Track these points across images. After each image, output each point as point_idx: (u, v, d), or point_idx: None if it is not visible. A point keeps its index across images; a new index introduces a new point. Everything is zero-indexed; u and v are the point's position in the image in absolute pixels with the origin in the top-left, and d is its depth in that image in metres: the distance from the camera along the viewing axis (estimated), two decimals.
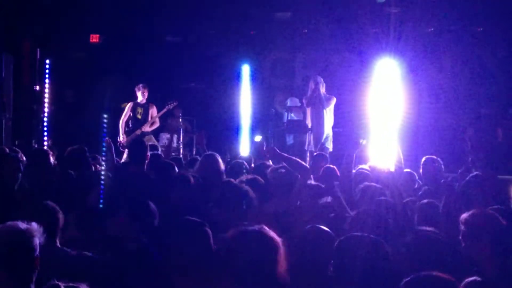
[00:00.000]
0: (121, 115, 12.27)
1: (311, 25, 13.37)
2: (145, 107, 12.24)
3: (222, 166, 7.32)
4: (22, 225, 3.38)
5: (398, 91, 11.98)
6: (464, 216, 4.29)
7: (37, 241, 3.38)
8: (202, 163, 7.38)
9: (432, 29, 12.80)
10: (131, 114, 12.23)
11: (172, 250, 3.70)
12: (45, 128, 13.06)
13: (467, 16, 12.28)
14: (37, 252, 3.37)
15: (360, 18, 12.55)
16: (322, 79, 11.82)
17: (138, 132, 12.06)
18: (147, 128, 12.18)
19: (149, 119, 12.17)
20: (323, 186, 5.98)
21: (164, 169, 7.02)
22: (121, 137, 12.10)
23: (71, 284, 3.12)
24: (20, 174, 6.63)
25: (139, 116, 12.23)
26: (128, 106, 12.29)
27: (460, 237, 4.26)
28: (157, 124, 12.36)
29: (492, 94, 12.12)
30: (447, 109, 12.49)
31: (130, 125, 12.21)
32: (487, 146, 11.01)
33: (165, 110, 12.35)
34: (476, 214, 4.27)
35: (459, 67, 12.65)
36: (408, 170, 7.87)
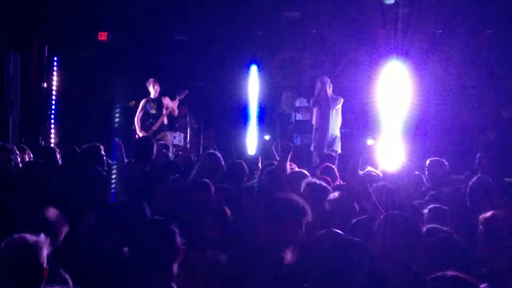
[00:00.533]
0: (136, 112, 12.34)
1: (320, 25, 13.35)
2: (158, 101, 12.29)
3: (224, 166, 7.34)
4: (31, 237, 3.47)
5: (405, 92, 11.97)
6: (483, 216, 4.28)
7: (45, 252, 3.48)
8: (203, 162, 7.39)
9: (440, 31, 12.77)
10: (145, 111, 12.30)
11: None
12: (52, 126, 13.09)
13: (475, 19, 12.25)
14: (45, 264, 3.47)
15: (369, 19, 12.54)
16: (329, 80, 11.80)
17: (154, 127, 12.12)
18: (164, 121, 12.25)
19: (164, 111, 12.21)
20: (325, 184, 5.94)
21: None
22: (140, 134, 12.15)
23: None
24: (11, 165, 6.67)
25: (153, 111, 12.30)
26: (142, 103, 12.35)
27: (477, 238, 4.25)
28: (175, 112, 12.41)
29: (500, 97, 12.09)
30: (455, 111, 12.47)
31: (146, 122, 12.27)
32: (494, 148, 10.97)
33: (177, 100, 12.38)
34: (497, 215, 4.26)
35: (466, 70, 12.62)
36: (416, 172, 7.85)
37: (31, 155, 8.65)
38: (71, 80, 13.64)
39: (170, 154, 9.80)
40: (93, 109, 13.49)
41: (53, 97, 13.22)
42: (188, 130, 13.03)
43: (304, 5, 13.01)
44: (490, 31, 12.76)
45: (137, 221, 4.13)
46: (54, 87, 13.31)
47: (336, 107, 11.73)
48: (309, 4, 12.87)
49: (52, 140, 12.94)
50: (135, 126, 12.36)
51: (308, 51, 13.75)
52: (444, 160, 7.94)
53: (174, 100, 12.38)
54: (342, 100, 11.85)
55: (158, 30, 13.72)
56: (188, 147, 11.99)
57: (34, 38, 13.19)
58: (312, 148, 11.83)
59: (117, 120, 12.16)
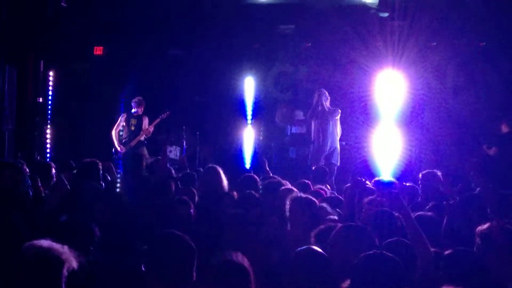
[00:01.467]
0: (114, 125, 12.49)
1: (314, 38, 13.40)
2: (138, 119, 12.57)
3: (224, 180, 7.33)
4: (56, 250, 3.24)
5: (400, 104, 11.98)
6: (480, 229, 4.28)
7: (65, 270, 3.25)
8: (204, 176, 7.39)
9: (435, 43, 12.81)
10: (124, 125, 12.38)
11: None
12: (48, 141, 13.07)
13: (469, 31, 12.30)
14: (63, 282, 3.24)
15: (363, 31, 12.57)
16: (326, 92, 11.80)
17: (132, 144, 12.26)
18: (141, 138, 12.53)
19: (143, 130, 12.50)
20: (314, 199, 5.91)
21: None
22: (118, 148, 12.34)
23: None
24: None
25: (132, 128, 12.45)
26: (123, 117, 12.48)
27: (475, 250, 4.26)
28: (148, 134, 12.65)
29: (494, 108, 12.11)
30: (449, 123, 12.49)
31: (125, 136, 12.42)
32: (488, 160, 10.99)
33: (158, 120, 12.59)
34: (493, 227, 4.26)
35: (461, 81, 12.66)
36: (409, 184, 7.85)
37: (27, 171, 8.63)
38: (67, 94, 13.64)
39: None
40: (89, 124, 13.49)
41: (49, 112, 13.20)
42: (184, 144, 13.03)
43: (299, 18, 13.06)
44: (484, 43, 12.80)
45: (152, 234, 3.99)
46: (49, 102, 13.30)
47: (334, 119, 11.72)
48: (304, 17, 12.92)
49: (48, 155, 12.91)
50: (112, 139, 12.49)
51: (303, 64, 13.78)
52: (437, 171, 7.93)
53: (152, 122, 12.67)
54: (340, 112, 11.85)
55: (153, 44, 13.75)
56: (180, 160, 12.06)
57: (30, 53, 13.18)
58: (308, 162, 11.83)
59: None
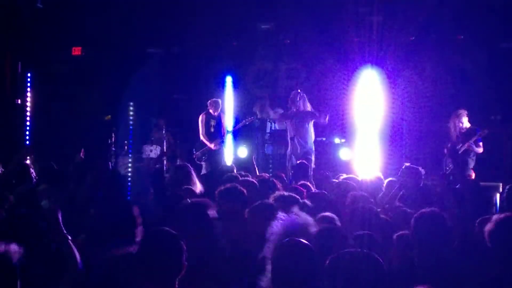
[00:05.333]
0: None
1: (294, 35, 13.39)
2: (218, 119, 12.45)
3: (195, 178, 7.29)
4: (1, 246, 3.28)
5: (380, 98, 12.03)
6: (488, 229, 4.26)
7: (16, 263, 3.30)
8: (173, 174, 7.37)
9: (414, 37, 12.86)
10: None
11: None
12: (27, 142, 12.96)
13: (448, 25, 12.35)
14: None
15: (342, 28, 12.60)
16: (303, 94, 11.66)
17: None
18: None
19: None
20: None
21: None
22: (212, 145, 12.32)
23: None
24: None
25: (212, 129, 12.35)
26: (201, 118, 12.43)
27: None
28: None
29: (473, 101, 12.17)
30: (429, 116, 12.55)
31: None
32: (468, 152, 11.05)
33: (241, 124, 12.58)
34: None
35: (440, 75, 12.72)
36: (391, 179, 7.86)
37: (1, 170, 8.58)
38: (46, 96, 13.54)
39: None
40: (68, 125, 13.40)
41: (28, 114, 13.09)
42: (165, 143, 12.98)
43: (278, 15, 13.05)
44: (462, 37, 12.86)
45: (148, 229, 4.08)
46: (28, 103, 13.19)
47: (310, 121, 11.65)
48: (283, 14, 12.91)
49: (27, 157, 12.80)
50: (203, 142, 12.41)
51: (283, 61, 13.77)
52: (418, 167, 7.92)
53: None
54: (318, 116, 11.72)
55: (132, 43, 13.70)
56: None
57: (7, 54, 13.09)
58: (286, 162, 11.81)
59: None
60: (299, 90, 11.54)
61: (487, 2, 11.96)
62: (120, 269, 3.87)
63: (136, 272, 3.61)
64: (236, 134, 12.92)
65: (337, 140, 12.74)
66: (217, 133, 12.32)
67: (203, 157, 12.20)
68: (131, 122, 12.37)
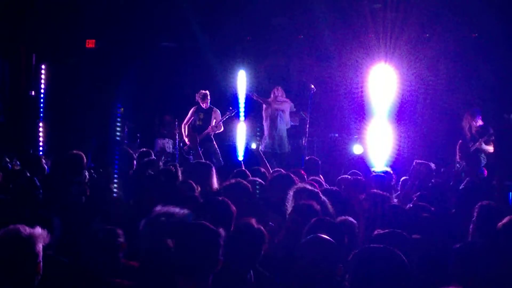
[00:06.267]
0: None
1: (307, 30, 13.37)
2: (207, 112, 12.39)
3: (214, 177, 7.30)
4: (25, 230, 3.30)
5: (393, 96, 12.00)
6: (502, 223, 4.29)
7: (40, 246, 3.32)
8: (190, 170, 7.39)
9: (427, 34, 12.81)
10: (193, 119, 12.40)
11: None
12: (41, 134, 13.04)
13: (462, 22, 12.29)
14: (40, 258, 3.32)
15: (356, 23, 12.57)
16: (280, 88, 12.03)
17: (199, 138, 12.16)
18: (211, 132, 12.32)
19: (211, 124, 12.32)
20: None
21: None
22: (186, 140, 12.33)
23: None
24: None
25: (199, 122, 12.31)
26: (191, 110, 12.42)
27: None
28: (218, 130, 12.41)
29: (486, 99, 12.13)
30: (442, 113, 12.51)
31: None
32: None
33: (224, 117, 12.40)
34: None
35: (454, 72, 12.66)
36: (405, 177, 7.85)
37: (18, 163, 8.64)
38: (59, 87, 13.59)
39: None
40: (81, 117, 13.45)
41: (41, 105, 13.16)
42: (177, 137, 13.00)
43: (292, 10, 13.03)
44: (476, 34, 12.80)
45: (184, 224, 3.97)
46: (42, 95, 13.26)
47: (284, 110, 11.93)
48: (297, 9, 12.89)
49: (41, 148, 12.89)
50: (182, 133, 12.44)
51: (296, 56, 13.75)
52: (430, 163, 7.92)
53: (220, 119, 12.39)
54: (291, 104, 12.03)
55: (145, 37, 13.72)
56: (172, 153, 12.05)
57: (22, 46, 13.16)
58: (262, 149, 11.97)
59: (118, 132, 12.18)
60: (312, 86, 11.58)
61: (502, 0, 11.90)
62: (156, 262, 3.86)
63: (171, 266, 3.51)
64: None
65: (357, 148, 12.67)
66: (205, 127, 12.24)
67: (191, 151, 12.12)
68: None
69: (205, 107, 12.29)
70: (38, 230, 3.35)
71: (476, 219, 5.06)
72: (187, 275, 3.43)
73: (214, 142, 12.22)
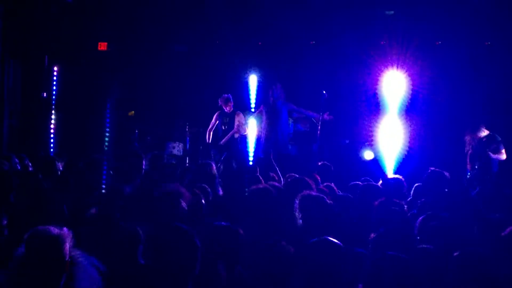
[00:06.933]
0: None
1: (319, 36, 13.37)
2: (231, 116, 12.44)
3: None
4: (54, 230, 3.50)
5: (404, 103, 11.99)
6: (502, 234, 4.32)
7: (67, 246, 3.50)
8: (196, 171, 7.41)
9: (440, 42, 12.80)
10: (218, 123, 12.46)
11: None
12: (52, 135, 13.08)
13: (474, 30, 12.28)
14: (68, 257, 3.50)
15: (368, 30, 12.57)
16: (279, 86, 11.96)
17: (222, 142, 12.27)
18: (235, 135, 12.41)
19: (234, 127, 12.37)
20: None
21: None
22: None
23: None
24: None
25: (224, 127, 12.41)
26: (215, 116, 12.45)
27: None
28: (243, 132, 12.41)
29: (498, 107, 12.11)
30: (453, 120, 12.47)
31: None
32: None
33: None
34: None
35: (466, 81, 12.64)
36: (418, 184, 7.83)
37: (30, 165, 8.65)
38: (71, 90, 13.64)
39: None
40: (92, 119, 13.48)
41: (53, 107, 13.21)
42: (187, 140, 13.03)
43: (304, 16, 13.02)
44: (489, 43, 12.77)
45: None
46: (54, 97, 13.31)
47: (283, 112, 11.91)
48: (309, 15, 12.89)
49: (52, 150, 12.93)
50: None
51: (308, 61, 13.73)
52: (444, 171, 7.89)
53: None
54: (292, 106, 11.99)
55: (157, 40, 13.75)
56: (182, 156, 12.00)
57: (34, 48, 13.20)
58: (260, 153, 11.93)
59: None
60: (324, 92, 11.59)
61: None
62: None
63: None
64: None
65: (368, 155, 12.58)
66: (230, 131, 12.29)
67: (217, 155, 12.13)
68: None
69: (228, 110, 12.30)
70: (65, 230, 3.55)
71: (480, 228, 5.09)
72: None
73: (238, 146, 12.28)
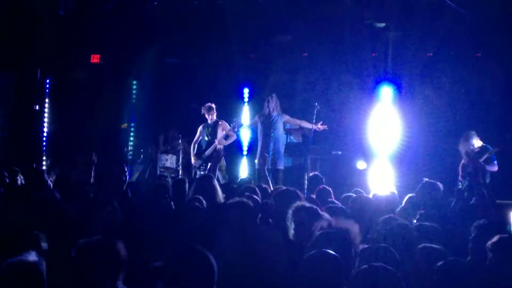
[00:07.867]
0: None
1: (311, 48, 13.40)
2: (213, 126, 12.29)
3: (218, 189, 7.34)
4: (32, 257, 3.50)
5: (396, 114, 12.04)
6: (491, 242, 4.33)
7: (44, 270, 3.49)
8: (197, 185, 7.40)
9: (431, 54, 12.85)
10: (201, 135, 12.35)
11: None
12: (44, 148, 13.07)
13: (465, 42, 12.34)
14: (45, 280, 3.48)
15: (360, 42, 12.61)
16: (275, 97, 11.92)
17: (207, 153, 12.11)
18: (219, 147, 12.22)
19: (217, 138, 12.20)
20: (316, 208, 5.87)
21: None
22: (193, 160, 12.29)
23: None
24: None
25: (207, 138, 12.24)
26: (200, 128, 12.35)
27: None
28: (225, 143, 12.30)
29: (489, 119, 12.15)
30: (445, 133, 12.50)
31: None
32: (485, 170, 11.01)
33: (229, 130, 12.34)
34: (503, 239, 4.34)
35: (457, 92, 12.69)
36: (410, 195, 7.84)
37: (22, 177, 8.64)
38: (64, 102, 13.63)
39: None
40: (85, 132, 13.48)
41: (45, 120, 13.20)
42: (180, 153, 13.01)
43: (296, 28, 13.06)
44: (480, 54, 12.83)
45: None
46: (46, 110, 13.30)
47: (279, 124, 11.86)
48: (301, 27, 12.92)
49: (44, 163, 12.91)
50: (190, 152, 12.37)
51: (300, 74, 13.76)
52: (437, 182, 7.90)
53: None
54: (286, 117, 11.95)
55: (150, 52, 13.76)
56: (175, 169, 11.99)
57: (27, 61, 13.20)
58: (256, 165, 11.91)
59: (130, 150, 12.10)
60: (316, 104, 11.61)
61: (505, 20, 11.94)
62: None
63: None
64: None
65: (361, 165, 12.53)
66: (213, 141, 12.15)
67: (202, 166, 12.10)
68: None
69: (211, 120, 12.24)
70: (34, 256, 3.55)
71: (472, 237, 5.11)
72: None
73: (222, 157, 12.22)
